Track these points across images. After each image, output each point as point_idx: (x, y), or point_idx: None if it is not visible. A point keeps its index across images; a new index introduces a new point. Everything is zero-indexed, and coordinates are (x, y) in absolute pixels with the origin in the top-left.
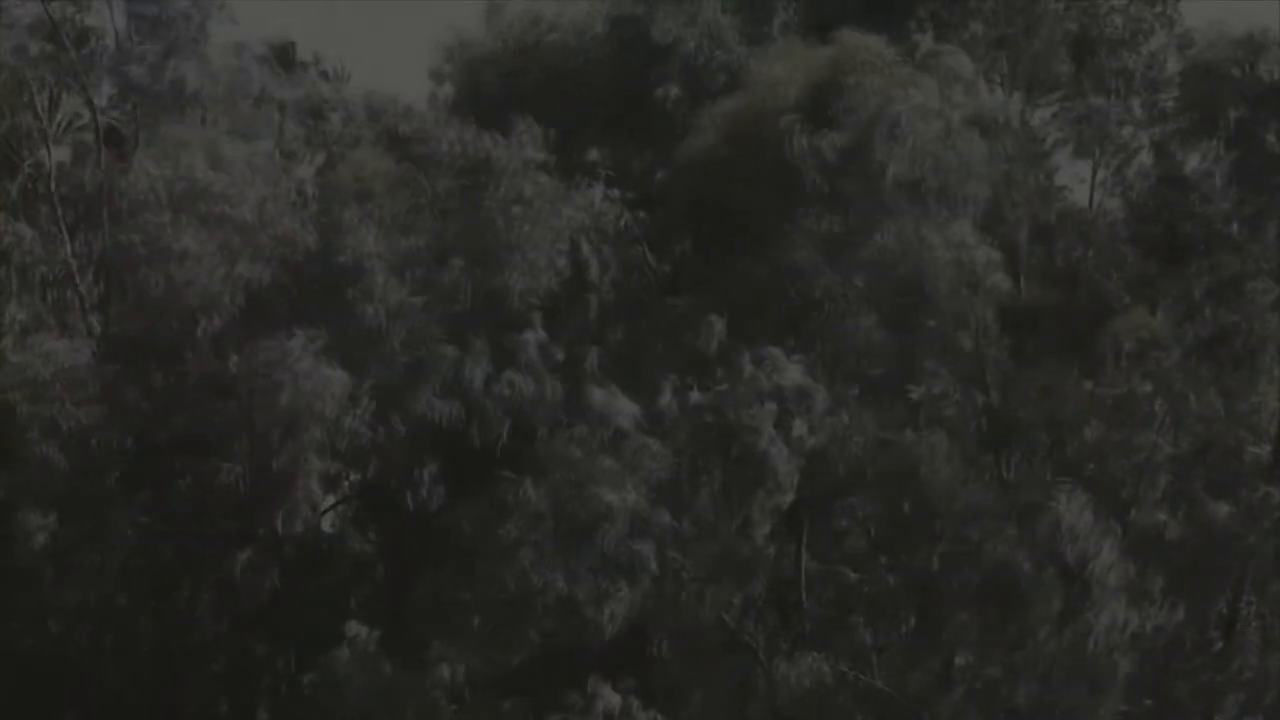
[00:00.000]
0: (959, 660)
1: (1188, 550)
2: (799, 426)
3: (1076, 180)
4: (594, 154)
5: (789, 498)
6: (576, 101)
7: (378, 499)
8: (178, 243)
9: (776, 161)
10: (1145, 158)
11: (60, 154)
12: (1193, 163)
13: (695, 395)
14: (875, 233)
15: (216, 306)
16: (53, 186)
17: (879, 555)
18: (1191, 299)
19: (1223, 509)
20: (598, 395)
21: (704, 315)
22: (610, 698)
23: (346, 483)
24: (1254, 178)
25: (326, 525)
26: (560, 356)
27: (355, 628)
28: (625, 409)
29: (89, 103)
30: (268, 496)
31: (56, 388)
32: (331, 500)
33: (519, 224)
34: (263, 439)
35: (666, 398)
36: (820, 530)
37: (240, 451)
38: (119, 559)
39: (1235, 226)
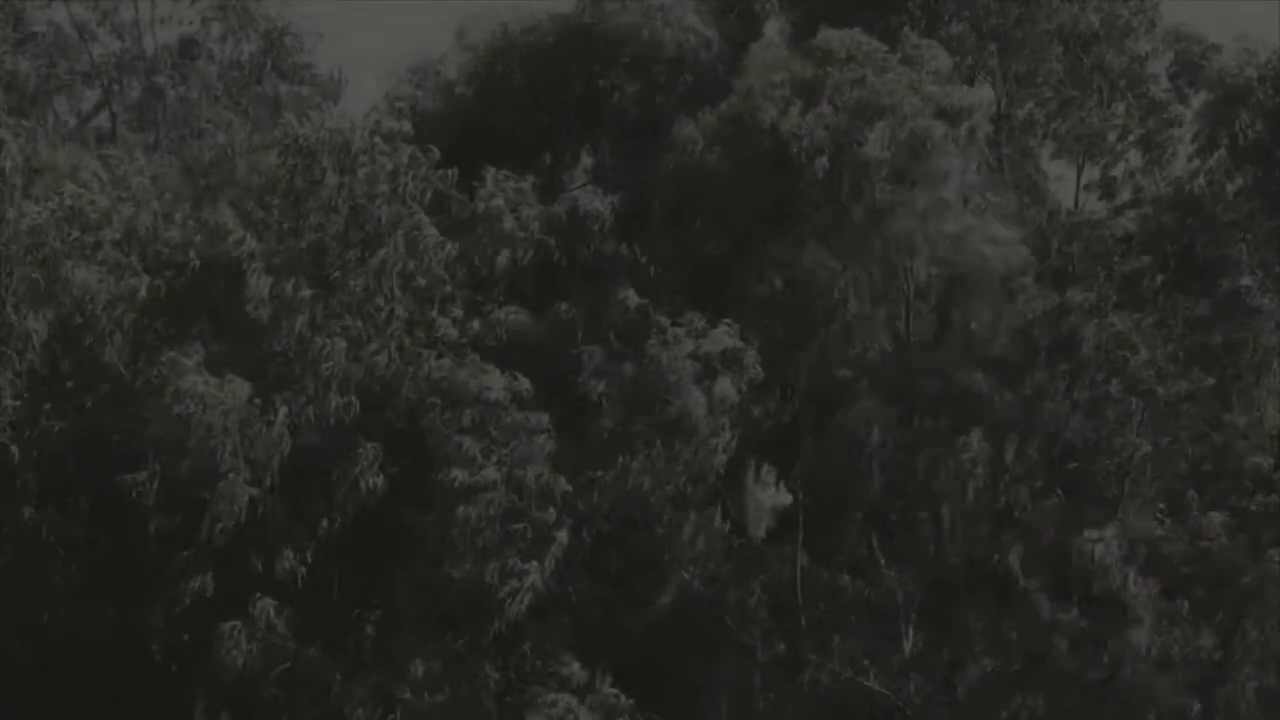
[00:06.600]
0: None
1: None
2: (723, 385)
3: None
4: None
5: (719, 458)
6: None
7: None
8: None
9: (771, 153)
10: (1136, 160)
11: None
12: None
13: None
14: (879, 225)
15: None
16: None
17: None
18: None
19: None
20: (463, 374)
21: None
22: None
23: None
24: (1271, 197)
25: None
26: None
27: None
28: (495, 385)
29: None
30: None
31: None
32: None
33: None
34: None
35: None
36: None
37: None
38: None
39: (1244, 248)
